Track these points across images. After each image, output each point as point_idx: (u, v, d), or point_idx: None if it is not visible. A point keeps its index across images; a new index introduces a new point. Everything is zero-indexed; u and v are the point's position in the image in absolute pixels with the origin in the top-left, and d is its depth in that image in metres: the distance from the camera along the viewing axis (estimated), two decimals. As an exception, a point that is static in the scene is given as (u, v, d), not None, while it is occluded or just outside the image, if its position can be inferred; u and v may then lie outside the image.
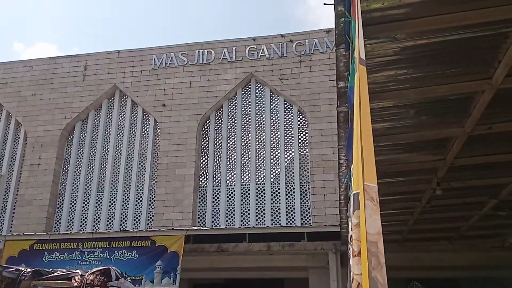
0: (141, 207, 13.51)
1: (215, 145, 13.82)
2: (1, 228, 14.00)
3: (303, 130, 13.46)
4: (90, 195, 13.97)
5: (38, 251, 11.03)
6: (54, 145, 14.39)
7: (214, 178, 13.48)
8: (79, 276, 6.21)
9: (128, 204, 13.62)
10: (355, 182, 2.73)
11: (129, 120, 14.60)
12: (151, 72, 14.66)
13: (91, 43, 48.67)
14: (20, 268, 6.68)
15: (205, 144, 13.91)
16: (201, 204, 13.24)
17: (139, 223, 13.29)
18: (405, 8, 3.40)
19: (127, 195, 13.75)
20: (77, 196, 14.03)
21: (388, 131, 5.50)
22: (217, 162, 13.64)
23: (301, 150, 13.28)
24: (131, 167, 14.05)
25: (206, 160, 13.72)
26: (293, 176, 13.01)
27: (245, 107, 14.08)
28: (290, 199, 12.80)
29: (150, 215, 13.32)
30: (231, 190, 13.25)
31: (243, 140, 13.71)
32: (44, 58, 16.03)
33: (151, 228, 12.73)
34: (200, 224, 12.87)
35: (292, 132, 13.49)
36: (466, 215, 9.40)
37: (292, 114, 13.67)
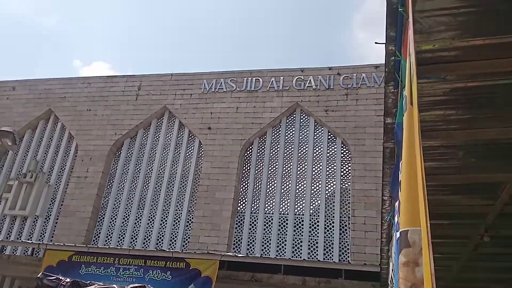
0: (178, 227, 13.63)
1: (256, 171, 13.86)
2: (42, 237, 14.44)
3: (346, 163, 13.28)
4: (130, 211, 14.26)
5: (75, 263, 11.23)
6: (102, 159, 14.90)
7: (253, 205, 13.46)
8: (115, 291, 6.31)
9: (166, 223, 13.78)
10: (404, 219, 2.68)
11: (175, 140, 14.96)
12: (200, 96, 15.05)
13: (144, 65, 50.68)
14: (60, 278, 6.88)
15: (246, 169, 13.98)
16: (237, 230, 13.21)
17: (175, 244, 13.39)
18: (456, 51, 3.38)
19: (166, 214, 13.94)
20: (118, 211, 14.36)
21: (434, 171, 5.34)
22: (257, 188, 13.64)
23: (343, 184, 13.07)
24: (173, 187, 14.28)
25: (246, 186, 13.75)
26: (333, 209, 12.79)
27: (289, 136, 14.10)
28: (329, 233, 12.55)
29: (187, 236, 13.41)
30: (269, 218, 13.17)
31: (284, 168, 13.67)
32: (102, 76, 16.87)
33: (186, 250, 12.77)
34: (235, 250, 12.80)
35: (335, 164, 13.33)
36: (519, 266, 8.85)
37: (335, 146, 13.55)
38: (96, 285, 6.79)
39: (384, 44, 3.49)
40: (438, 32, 3.22)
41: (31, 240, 14.03)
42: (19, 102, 16.88)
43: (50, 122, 16.53)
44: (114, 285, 6.80)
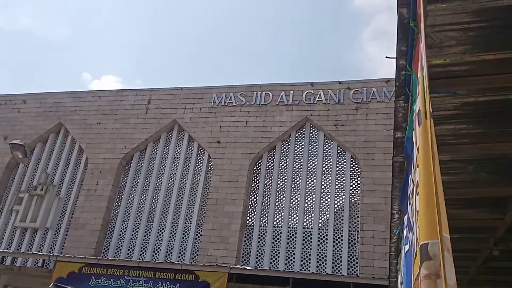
0: (187, 240, 13.67)
1: (265, 185, 13.90)
2: (53, 249, 14.53)
3: (355, 177, 13.28)
4: (140, 223, 14.32)
5: (85, 274, 11.32)
6: (112, 172, 15.01)
7: (262, 218, 13.48)
8: (125, 302, 6.35)
9: (175, 236, 13.82)
10: (423, 233, 2.73)
11: (184, 154, 15.06)
12: (210, 110, 15.17)
13: (153, 78, 51.17)
14: (71, 289, 6.94)
15: (255, 183, 14.02)
16: (246, 243, 13.22)
17: (184, 256, 13.42)
18: (467, 66, 3.42)
19: (175, 227, 13.98)
20: (127, 223, 14.42)
21: (444, 185, 5.34)
22: (266, 202, 13.67)
23: (352, 198, 13.07)
24: (182, 200, 14.35)
25: (255, 199, 13.79)
26: (342, 223, 12.77)
27: (298, 150, 14.15)
28: (338, 247, 12.52)
29: (195, 249, 13.43)
30: (277, 231, 13.18)
31: (293, 182, 13.70)
32: (112, 90, 17.01)
33: (195, 262, 12.80)
34: (244, 263, 12.80)
35: (344, 178, 13.34)
36: (528, 281, 8.81)
37: (345, 160, 13.57)
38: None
39: (394, 59, 3.57)
40: (449, 46, 3.28)
41: (41, 252, 14.09)
42: (29, 115, 17.09)
43: (60, 135, 16.69)
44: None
